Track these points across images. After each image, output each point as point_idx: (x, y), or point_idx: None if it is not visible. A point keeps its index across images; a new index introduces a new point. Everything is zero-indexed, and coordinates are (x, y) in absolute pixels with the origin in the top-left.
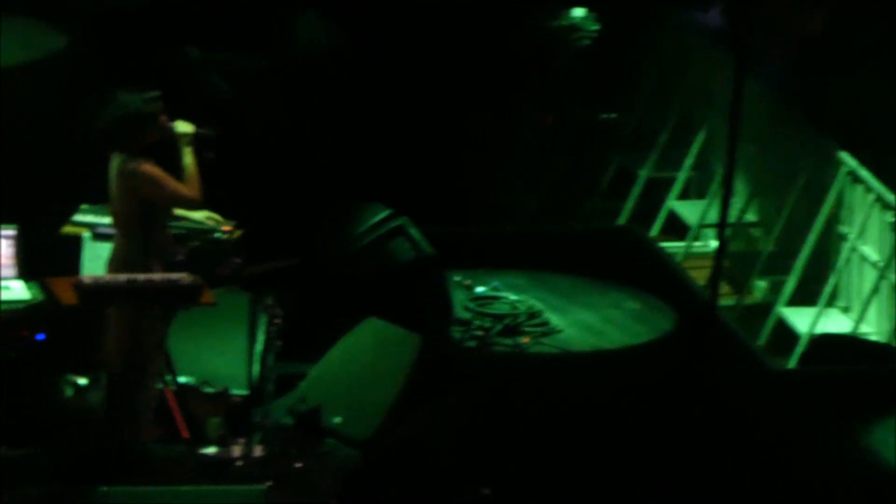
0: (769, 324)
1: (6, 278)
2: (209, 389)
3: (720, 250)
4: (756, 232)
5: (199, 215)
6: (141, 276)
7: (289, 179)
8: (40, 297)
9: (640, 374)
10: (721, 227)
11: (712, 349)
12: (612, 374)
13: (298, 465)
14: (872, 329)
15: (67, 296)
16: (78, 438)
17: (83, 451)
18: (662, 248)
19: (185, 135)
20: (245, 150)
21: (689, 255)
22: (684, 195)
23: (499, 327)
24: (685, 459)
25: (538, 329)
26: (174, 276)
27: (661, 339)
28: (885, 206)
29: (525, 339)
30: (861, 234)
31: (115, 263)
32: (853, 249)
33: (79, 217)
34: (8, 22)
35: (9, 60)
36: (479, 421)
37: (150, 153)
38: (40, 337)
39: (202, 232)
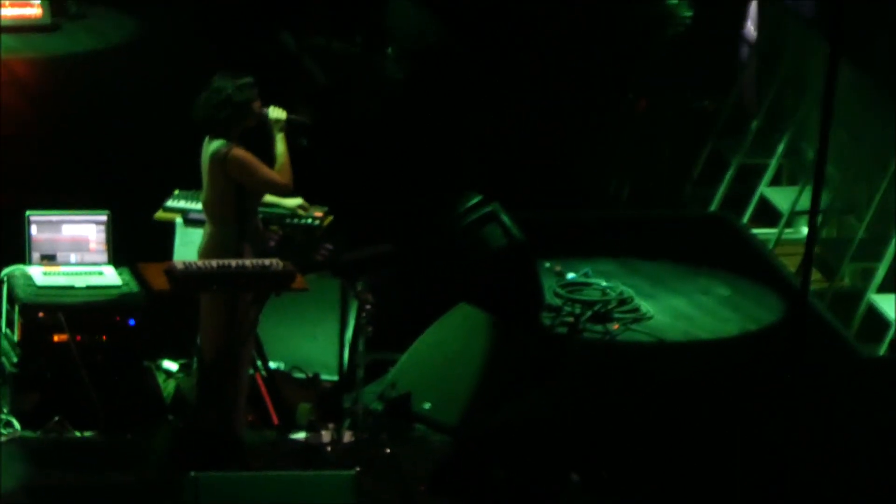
0: (860, 310)
1: (98, 264)
2: (300, 375)
3: (811, 237)
4: (847, 219)
5: (291, 202)
6: (233, 262)
7: (383, 165)
8: (132, 282)
9: (736, 361)
10: (812, 214)
11: (805, 337)
12: (705, 362)
13: (388, 450)
14: None
15: (159, 282)
16: (169, 425)
17: (175, 438)
18: (754, 235)
19: (279, 121)
20: (339, 136)
21: (781, 242)
22: (776, 182)
23: (589, 314)
24: (776, 446)
25: (628, 315)
26: (266, 261)
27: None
28: None
29: (615, 326)
30: None
31: (207, 249)
32: None
33: (171, 203)
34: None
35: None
36: (571, 408)
37: (245, 139)
38: (132, 323)
39: (294, 218)
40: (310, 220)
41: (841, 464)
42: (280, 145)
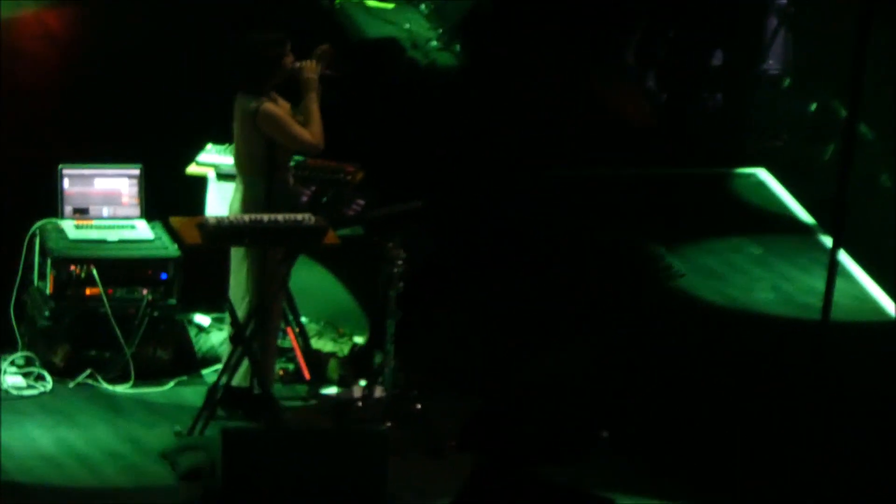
0: None
1: (130, 217)
2: (331, 331)
3: (841, 200)
4: None
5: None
6: (265, 217)
7: (417, 122)
8: (164, 236)
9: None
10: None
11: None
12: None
13: (418, 406)
14: None
15: (191, 235)
16: (201, 379)
17: (207, 392)
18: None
19: (311, 79)
20: (372, 92)
21: None
22: None
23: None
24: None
25: (661, 273)
26: (298, 216)
27: None
28: None
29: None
30: None
31: (239, 204)
32: None
33: (203, 157)
34: None
35: None
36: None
37: (281, 94)
38: (164, 276)
39: (326, 173)
40: (341, 176)
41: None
42: (312, 104)
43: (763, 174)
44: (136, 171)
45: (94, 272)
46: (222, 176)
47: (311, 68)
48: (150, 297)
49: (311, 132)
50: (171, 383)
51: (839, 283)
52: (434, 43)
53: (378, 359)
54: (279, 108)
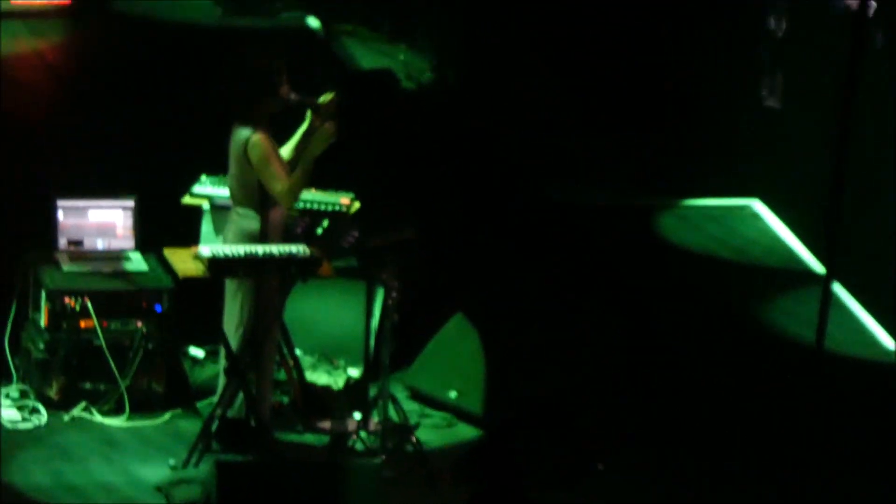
0: None
1: (125, 249)
2: (326, 362)
3: (832, 220)
4: None
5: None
6: (259, 248)
7: (412, 152)
8: (158, 268)
9: None
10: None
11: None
12: None
13: (413, 439)
14: None
15: (185, 267)
16: (195, 411)
17: (202, 423)
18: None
19: (323, 143)
20: (367, 122)
21: None
22: None
23: None
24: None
25: None
26: (292, 247)
27: None
28: None
29: None
30: None
31: (234, 235)
32: None
33: (198, 188)
34: None
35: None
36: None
37: (277, 124)
38: (158, 309)
39: (321, 203)
40: (336, 207)
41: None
42: (309, 162)
43: (758, 206)
44: (131, 203)
45: (89, 304)
46: (217, 207)
47: (330, 133)
48: (144, 330)
49: (290, 185)
50: (167, 416)
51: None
52: (428, 74)
53: (373, 390)
54: (269, 142)
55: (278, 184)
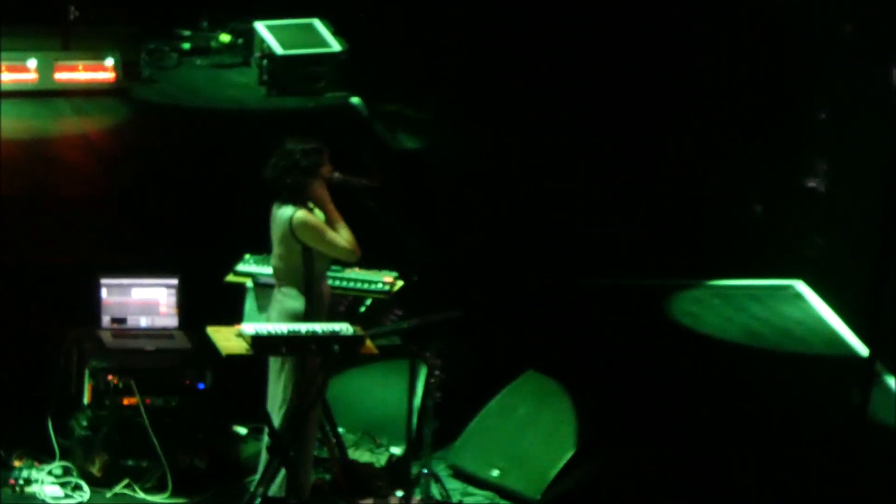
0: None
1: (168, 328)
2: (368, 441)
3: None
4: None
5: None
6: (302, 327)
7: (457, 229)
8: (202, 346)
9: None
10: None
11: None
12: None
13: None
14: None
15: (229, 345)
16: (238, 489)
17: (243, 502)
18: None
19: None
20: (411, 201)
21: None
22: None
23: None
24: None
25: None
26: (335, 326)
27: None
28: None
29: None
30: None
31: (277, 314)
32: None
33: (241, 266)
34: None
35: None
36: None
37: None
38: (201, 386)
39: (364, 282)
40: (380, 286)
41: None
42: (332, 212)
43: (800, 286)
44: (174, 281)
45: (132, 382)
46: (260, 285)
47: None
48: (187, 408)
49: (345, 238)
50: (209, 493)
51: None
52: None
53: (416, 468)
54: (314, 216)
55: (341, 243)
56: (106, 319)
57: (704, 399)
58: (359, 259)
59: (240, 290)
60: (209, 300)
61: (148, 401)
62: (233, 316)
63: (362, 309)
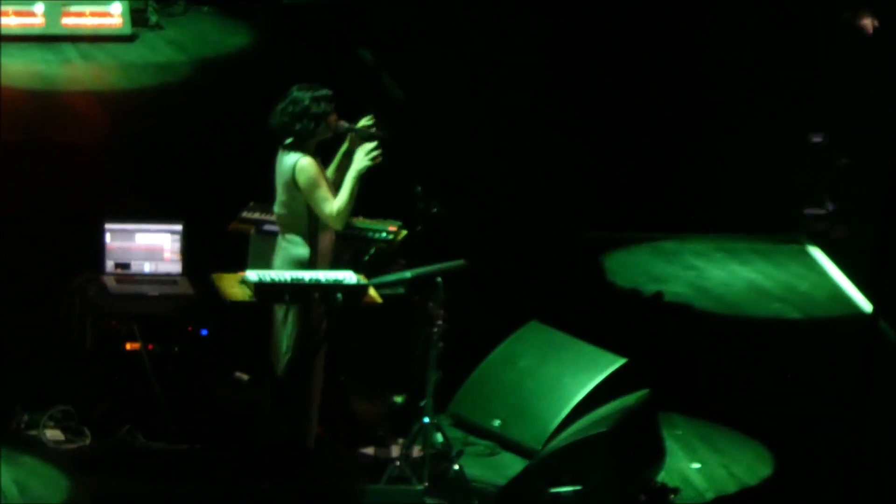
0: None
1: (172, 273)
2: (370, 389)
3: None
4: None
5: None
6: (306, 274)
7: (461, 180)
8: (205, 293)
9: None
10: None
11: None
12: None
13: (456, 467)
14: None
15: (232, 292)
16: (239, 436)
17: (244, 449)
18: None
19: (363, 166)
20: (415, 151)
21: None
22: None
23: None
24: None
25: None
26: (339, 274)
27: None
28: None
29: None
30: None
31: (282, 261)
32: None
33: (246, 214)
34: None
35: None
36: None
37: (323, 152)
38: (204, 333)
39: (368, 231)
40: (384, 235)
41: None
42: (352, 181)
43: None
44: (179, 227)
45: (135, 328)
46: (264, 233)
47: (367, 152)
48: (190, 354)
49: (339, 206)
50: (209, 440)
51: None
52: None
53: (417, 419)
54: (317, 166)
55: (328, 206)
56: (109, 264)
57: (708, 352)
58: (340, 227)
59: (244, 237)
60: (214, 247)
61: (150, 346)
62: (237, 263)
63: (366, 258)
